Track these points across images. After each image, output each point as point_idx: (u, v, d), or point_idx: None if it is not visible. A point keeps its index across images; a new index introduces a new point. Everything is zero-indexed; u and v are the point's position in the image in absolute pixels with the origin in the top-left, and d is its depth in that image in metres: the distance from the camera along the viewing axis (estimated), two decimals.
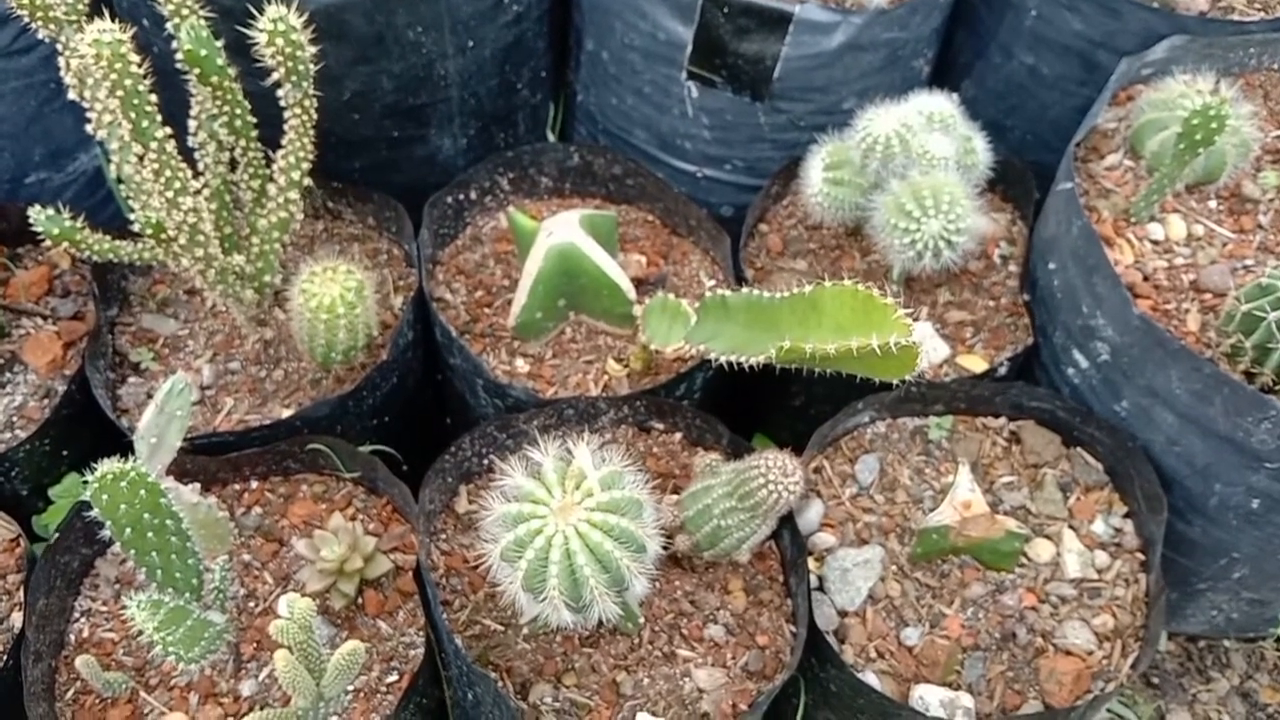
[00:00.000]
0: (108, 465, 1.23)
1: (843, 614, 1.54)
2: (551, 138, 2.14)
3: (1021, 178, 1.86)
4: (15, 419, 1.69)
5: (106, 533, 1.28)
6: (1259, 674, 1.90)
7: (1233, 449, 1.46)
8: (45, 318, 1.81)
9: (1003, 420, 1.69)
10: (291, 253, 1.85)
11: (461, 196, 1.86)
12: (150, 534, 1.30)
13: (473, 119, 1.91)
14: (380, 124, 1.83)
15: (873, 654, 1.51)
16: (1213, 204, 1.66)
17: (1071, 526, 1.60)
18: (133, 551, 1.31)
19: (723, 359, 1.40)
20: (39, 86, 1.81)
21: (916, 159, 1.61)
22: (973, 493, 1.55)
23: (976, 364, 1.71)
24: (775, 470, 1.40)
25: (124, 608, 1.25)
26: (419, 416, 1.83)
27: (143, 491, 1.26)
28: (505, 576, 1.27)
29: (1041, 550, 1.58)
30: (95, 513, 1.26)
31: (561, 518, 1.25)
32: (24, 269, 1.85)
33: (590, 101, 2.04)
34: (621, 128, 2.00)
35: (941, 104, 1.66)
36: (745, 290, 1.43)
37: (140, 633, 1.26)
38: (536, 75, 1.99)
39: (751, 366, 1.44)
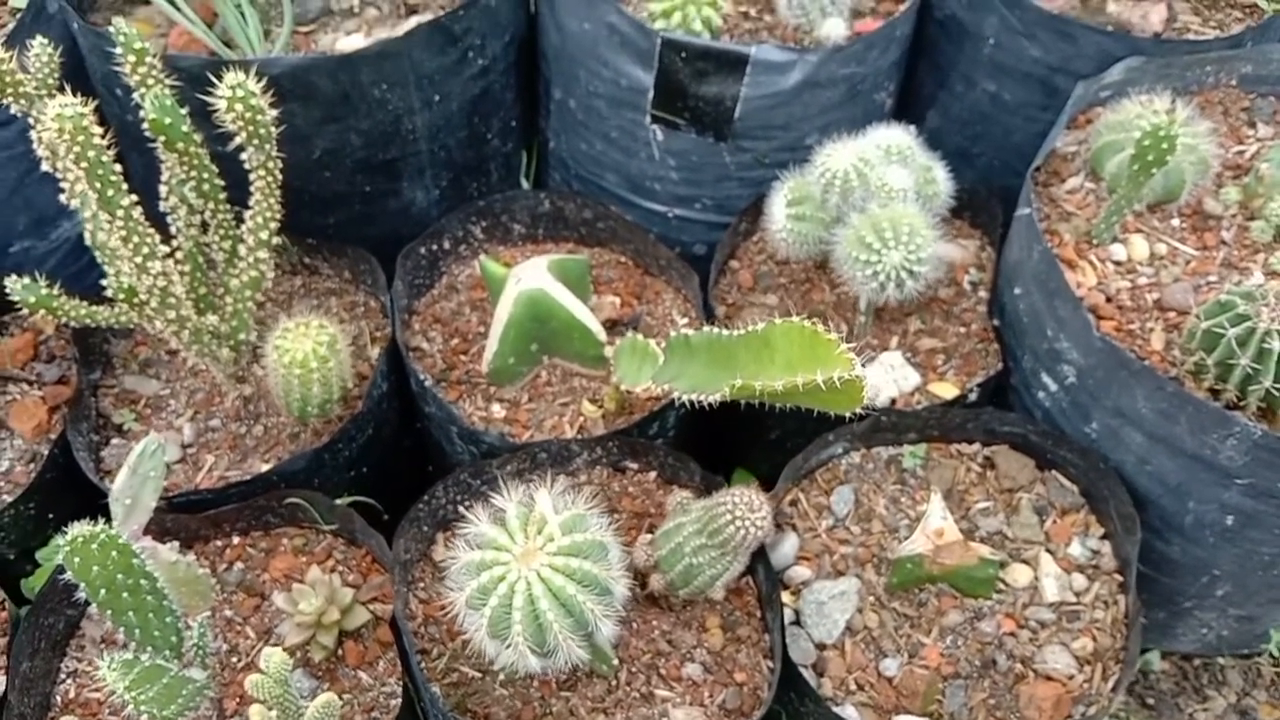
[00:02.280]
0: (78, 529, 1.25)
1: (820, 647, 1.54)
2: (526, 185, 2.17)
3: (987, 204, 1.87)
4: (2, 484, 1.72)
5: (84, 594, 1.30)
6: (1256, 691, 1.88)
7: (1202, 466, 1.46)
8: (30, 383, 1.84)
9: (976, 446, 1.69)
10: (270, 309, 1.88)
11: (435, 246, 1.89)
12: (125, 594, 1.32)
13: (444, 170, 1.95)
14: (352, 179, 1.87)
15: (852, 686, 1.50)
16: (1175, 222, 1.66)
17: (1048, 550, 1.59)
18: (109, 612, 1.33)
19: (685, 398, 1.41)
20: (20, 158, 1.85)
21: (875, 192, 1.63)
22: (945, 520, 1.55)
23: (948, 391, 1.71)
24: (742, 506, 1.41)
25: (100, 677, 1.27)
26: (398, 466, 1.84)
27: (114, 553, 1.28)
28: (471, 624, 1.29)
29: (1019, 575, 1.57)
30: (69, 575, 1.28)
31: (524, 563, 1.26)
32: (9, 336, 1.89)
33: (562, 148, 2.07)
34: (593, 172, 2.03)
35: (899, 137, 1.68)
36: (707, 329, 1.44)
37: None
38: (506, 125, 2.02)
39: (725, 402, 1.46)
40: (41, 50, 1.52)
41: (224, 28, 1.84)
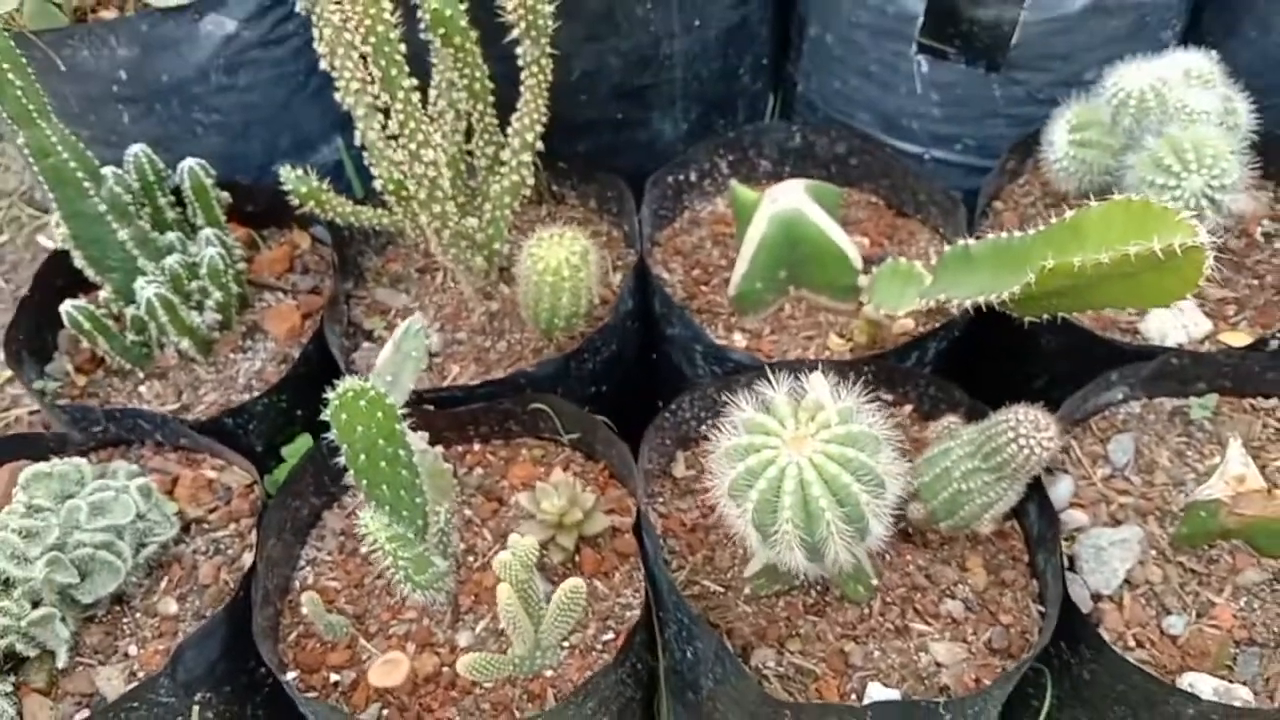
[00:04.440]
0: (349, 382, 1.25)
1: (1096, 598, 1.39)
2: None
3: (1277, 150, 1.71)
4: (254, 382, 1.77)
5: (341, 460, 1.29)
6: None
7: None
8: (286, 292, 1.90)
9: (1275, 401, 1.52)
10: (516, 236, 1.89)
11: (680, 177, 1.86)
12: (384, 463, 1.31)
13: (694, 103, 1.92)
14: (606, 105, 1.86)
15: (1131, 642, 1.35)
16: None
17: None
18: (364, 481, 1.33)
19: (967, 303, 1.32)
20: (289, 77, 1.93)
21: (1174, 114, 1.50)
22: (1246, 467, 1.39)
23: (1241, 340, 1.55)
24: (1027, 424, 1.29)
25: (361, 524, 1.26)
26: (635, 393, 1.81)
27: (380, 414, 1.28)
28: (733, 513, 1.21)
29: None
30: (333, 435, 1.28)
31: (795, 449, 1.18)
32: (269, 249, 1.96)
33: (811, 89, 2.02)
34: (843, 111, 1.96)
35: (1200, 61, 1.55)
36: (991, 236, 1.34)
37: (371, 553, 1.26)
38: (758, 62, 1.98)
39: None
40: None
41: None
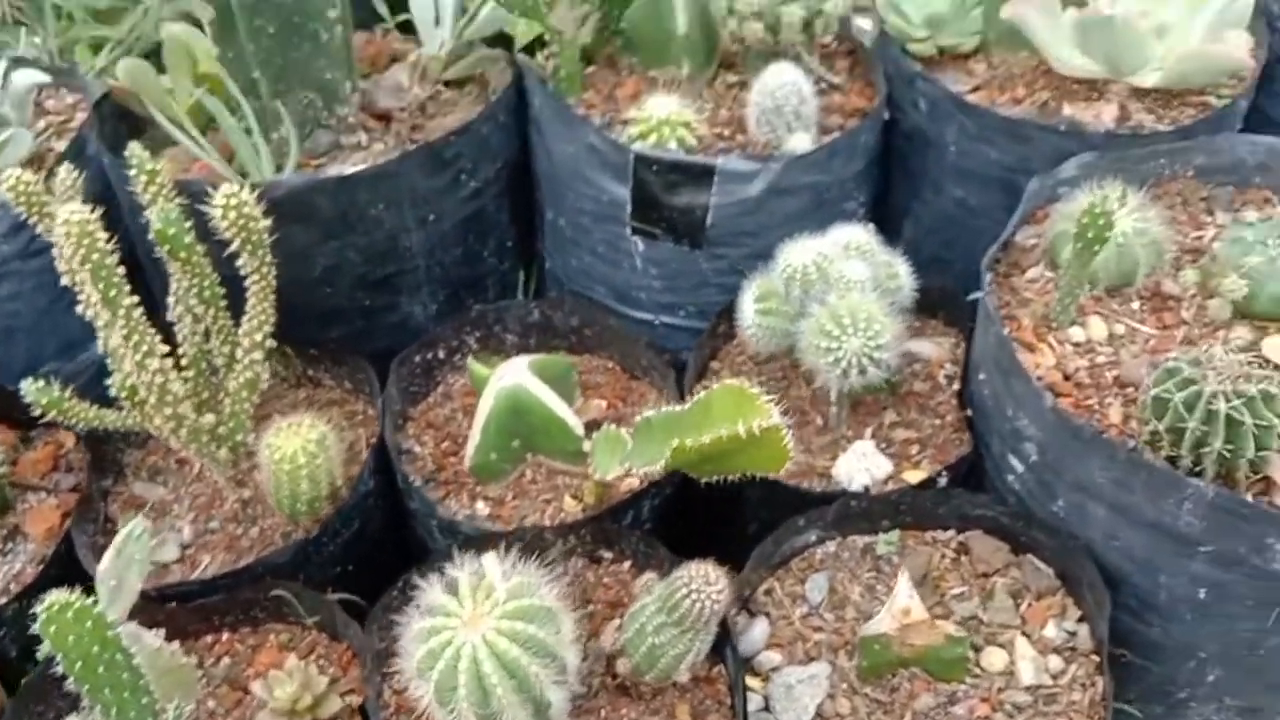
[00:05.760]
0: (55, 595, 1.32)
1: None
2: None
3: (958, 303, 1.92)
4: (11, 584, 1.80)
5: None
6: None
7: (1165, 536, 1.45)
8: (49, 491, 1.94)
9: (951, 532, 1.69)
10: (276, 420, 1.98)
11: (430, 355, 1.99)
12: (101, 668, 1.37)
13: (441, 287, 2.07)
14: (352, 295, 1.99)
15: None
16: (1134, 304, 1.69)
17: (1024, 633, 1.57)
18: (86, 688, 1.38)
19: (642, 472, 1.46)
20: (50, 285, 2.00)
21: (835, 284, 1.69)
22: (911, 599, 1.54)
23: (919, 477, 1.73)
24: (699, 579, 1.42)
25: None
26: (387, 567, 1.88)
27: (89, 623, 1.34)
28: (421, 692, 1.31)
29: (995, 659, 1.55)
30: (46, 646, 1.34)
31: (472, 628, 1.29)
32: (33, 449, 2.01)
33: (556, 265, 2.19)
34: (585, 286, 2.13)
35: (858, 234, 1.76)
36: (667, 408, 1.49)
37: None
38: (502, 244, 2.15)
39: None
40: (67, 175, 1.69)
41: (240, 162, 2.01)
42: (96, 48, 3.11)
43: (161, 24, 2.03)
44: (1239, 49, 1.81)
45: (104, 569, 1.51)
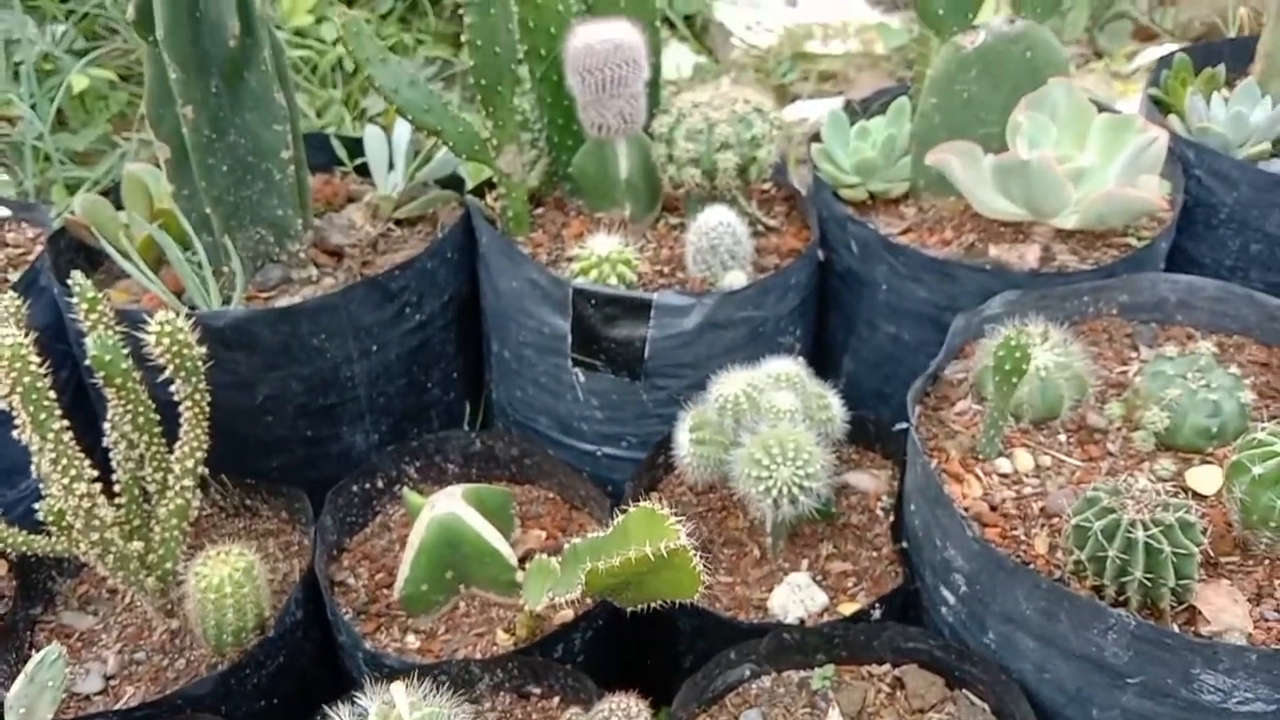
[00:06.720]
0: None
1: None
2: None
3: (894, 435, 1.94)
4: None
5: None
6: None
7: (1094, 667, 1.43)
8: None
9: (886, 667, 1.66)
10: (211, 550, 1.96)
11: (368, 485, 1.98)
12: None
13: (384, 416, 2.08)
14: (294, 424, 2.00)
15: None
16: (1061, 437, 1.72)
17: None
18: None
19: (569, 601, 1.44)
20: None
21: (765, 414, 1.72)
22: None
23: (854, 610, 1.71)
24: (618, 713, 1.40)
25: None
26: (317, 704, 1.83)
27: None
28: None
29: None
30: None
31: None
32: None
33: (501, 396, 2.21)
34: (528, 417, 2.15)
35: (788, 366, 1.80)
36: (590, 535, 1.49)
37: None
38: (447, 375, 2.17)
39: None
40: (11, 301, 1.72)
41: (189, 294, 2.05)
42: (73, 188, 3.21)
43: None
44: (1152, 192, 1.89)
45: (14, 695, 1.47)
